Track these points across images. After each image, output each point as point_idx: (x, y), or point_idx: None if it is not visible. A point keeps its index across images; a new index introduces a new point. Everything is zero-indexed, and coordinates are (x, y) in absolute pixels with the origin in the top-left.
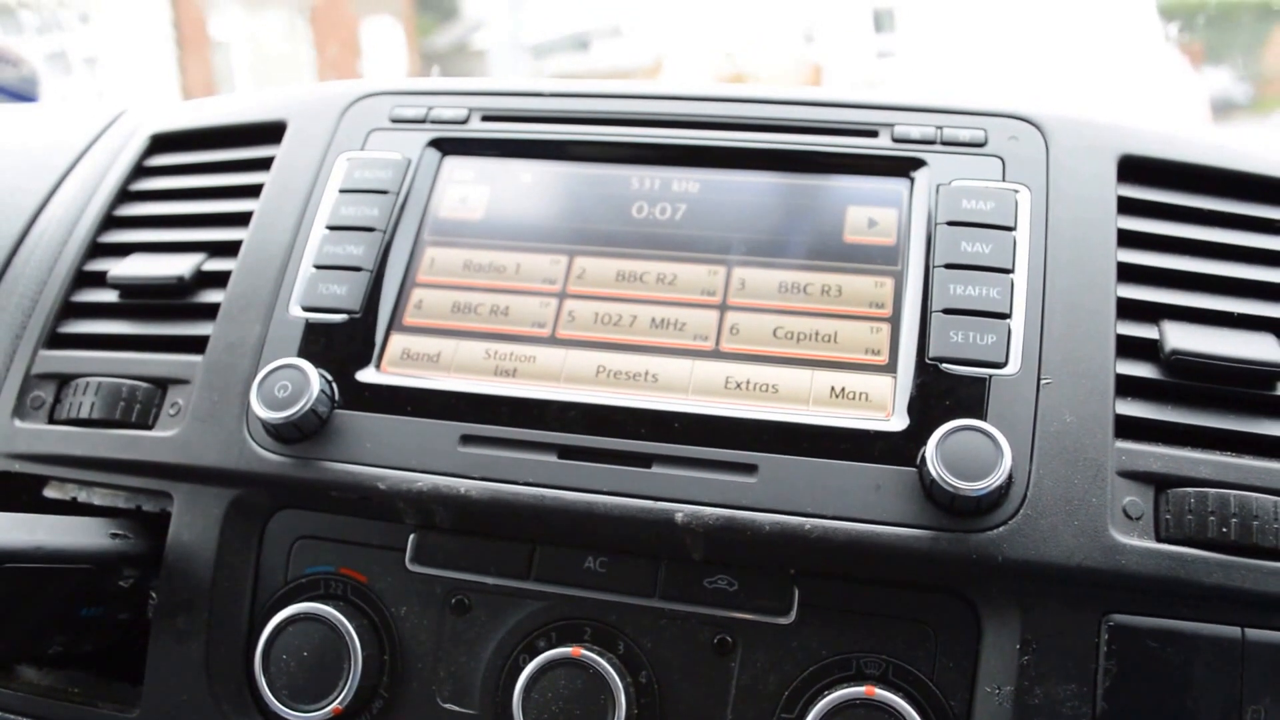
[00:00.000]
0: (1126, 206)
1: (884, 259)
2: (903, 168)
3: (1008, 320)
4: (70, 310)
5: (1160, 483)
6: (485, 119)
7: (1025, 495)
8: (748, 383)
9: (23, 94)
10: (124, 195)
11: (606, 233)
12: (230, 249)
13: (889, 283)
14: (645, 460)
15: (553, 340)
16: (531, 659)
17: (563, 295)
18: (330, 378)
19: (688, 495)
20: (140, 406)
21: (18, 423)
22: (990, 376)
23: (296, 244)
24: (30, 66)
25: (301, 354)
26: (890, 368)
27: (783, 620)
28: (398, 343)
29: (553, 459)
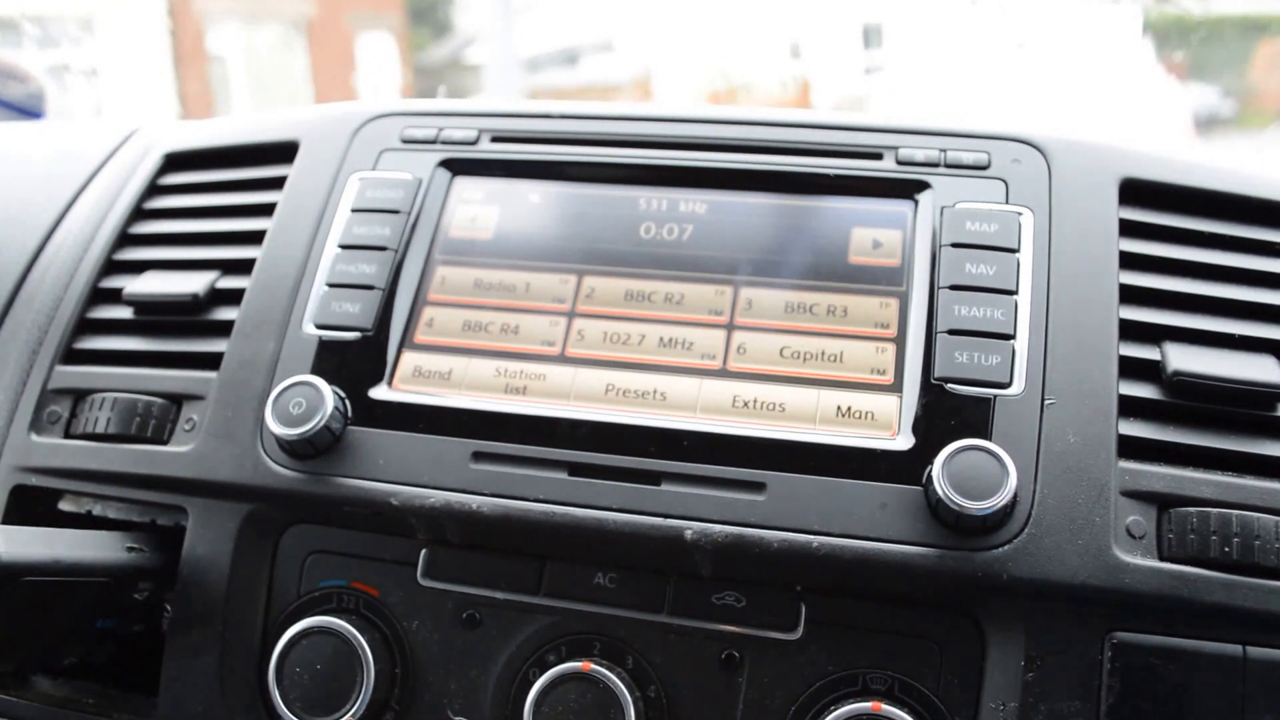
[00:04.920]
0: (1128, 229)
1: (889, 280)
2: (907, 190)
3: (1012, 341)
4: (86, 326)
5: (1163, 502)
6: (495, 140)
7: (1030, 514)
8: (755, 401)
9: (30, 109)
10: (138, 213)
11: (615, 253)
12: (244, 267)
13: (894, 303)
14: (654, 478)
15: (562, 359)
16: (542, 673)
17: (572, 314)
18: (343, 395)
19: (696, 513)
20: (155, 422)
21: (34, 437)
22: (995, 397)
23: (309, 262)
24: (37, 82)
25: (315, 371)
26: (896, 387)
27: (789, 636)
28: (409, 360)
29: (563, 476)
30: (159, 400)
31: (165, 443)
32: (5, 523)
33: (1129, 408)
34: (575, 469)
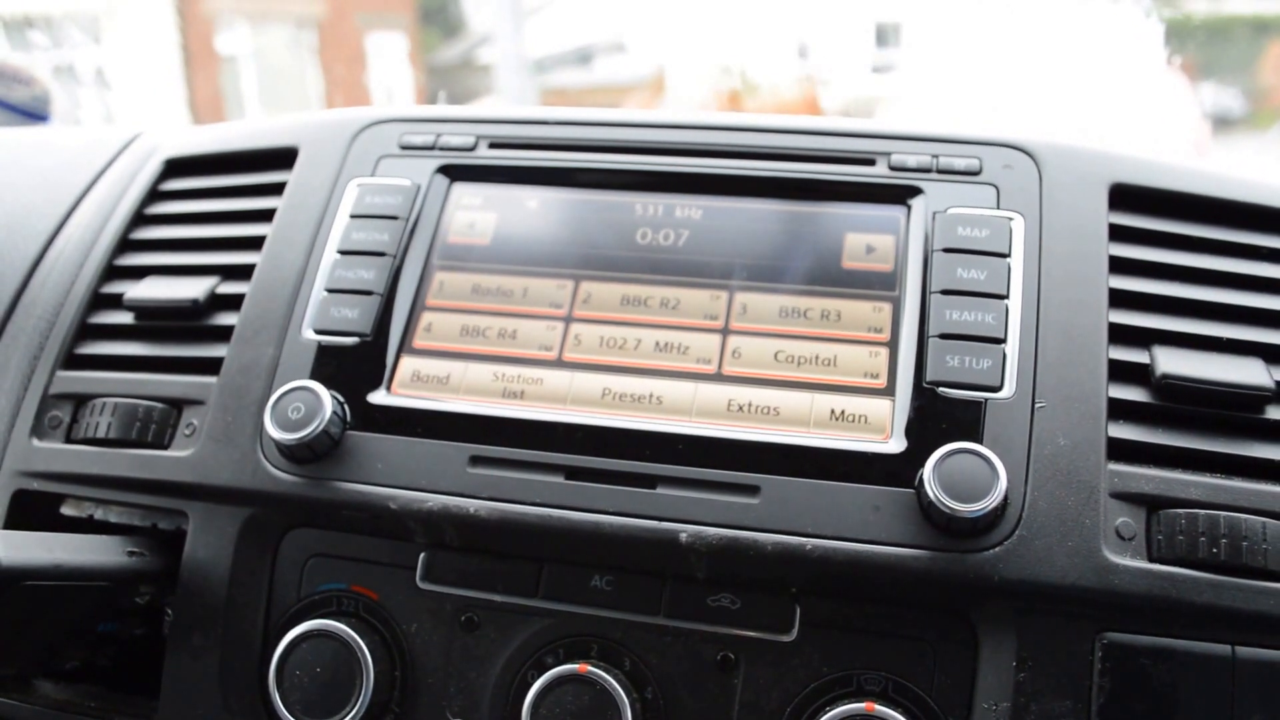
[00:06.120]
0: (1118, 234)
1: (882, 285)
2: (899, 195)
3: (1003, 345)
4: (87, 332)
5: (1152, 504)
6: (493, 146)
7: (1020, 516)
8: (749, 405)
9: (35, 113)
10: (139, 219)
11: (611, 258)
12: (244, 272)
13: (887, 308)
14: (650, 481)
15: (559, 363)
16: (539, 675)
17: (569, 319)
18: (342, 399)
19: (692, 516)
20: (156, 427)
21: (36, 442)
22: (986, 400)
23: (309, 268)
24: (42, 86)
25: (314, 376)
26: (889, 391)
27: (784, 638)
28: (408, 365)
29: (560, 480)
30: (159, 405)
31: (165, 447)
32: (7, 528)
33: (1118, 410)
34: (572, 473)
